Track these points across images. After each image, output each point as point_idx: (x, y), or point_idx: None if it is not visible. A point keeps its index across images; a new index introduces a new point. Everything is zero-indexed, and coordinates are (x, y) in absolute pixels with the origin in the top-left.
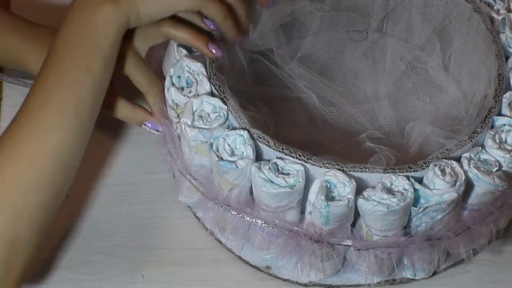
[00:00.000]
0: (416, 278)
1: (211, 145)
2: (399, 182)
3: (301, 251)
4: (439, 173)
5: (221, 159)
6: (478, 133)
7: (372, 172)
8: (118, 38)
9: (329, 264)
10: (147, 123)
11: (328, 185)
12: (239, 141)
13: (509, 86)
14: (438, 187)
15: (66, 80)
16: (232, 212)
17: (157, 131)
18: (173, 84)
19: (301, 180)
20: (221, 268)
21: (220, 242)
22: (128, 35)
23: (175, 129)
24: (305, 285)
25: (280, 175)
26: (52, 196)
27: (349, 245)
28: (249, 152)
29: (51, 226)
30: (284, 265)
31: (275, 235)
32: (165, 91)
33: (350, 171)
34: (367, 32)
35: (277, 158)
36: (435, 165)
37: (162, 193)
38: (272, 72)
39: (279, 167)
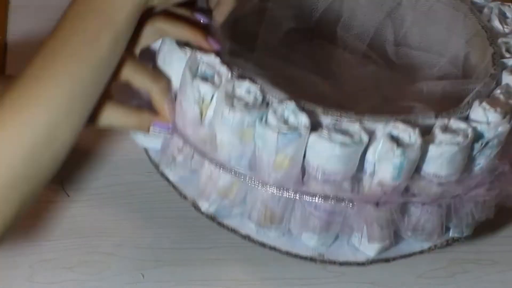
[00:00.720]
0: (463, 235)
1: (261, 121)
2: (453, 123)
3: (362, 222)
4: (488, 107)
5: (280, 132)
6: (495, 75)
7: (425, 119)
8: (134, 13)
9: (389, 232)
10: (155, 125)
11: (392, 135)
12: (289, 111)
13: (496, 35)
14: (492, 120)
15: (67, 50)
16: (287, 195)
17: (168, 129)
18: (195, 77)
19: (365, 136)
20: (221, 268)
21: (263, 244)
22: None
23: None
24: (363, 263)
25: (342, 135)
26: (28, 172)
27: (412, 201)
28: (304, 119)
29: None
30: (338, 248)
31: (332, 213)
32: (186, 87)
33: (405, 121)
34: (309, 30)
35: (331, 121)
36: (481, 102)
37: (162, 193)
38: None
39: (337, 129)
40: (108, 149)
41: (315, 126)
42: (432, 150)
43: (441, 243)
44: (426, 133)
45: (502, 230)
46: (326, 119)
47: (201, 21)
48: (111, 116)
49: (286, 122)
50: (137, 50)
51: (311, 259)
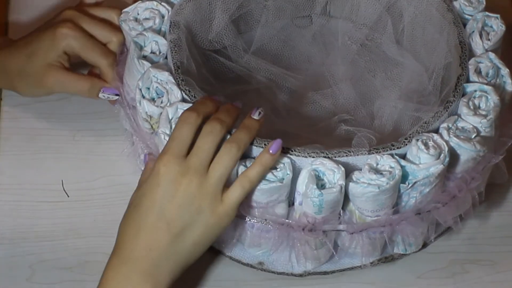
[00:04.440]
0: (407, 252)
1: None
2: (385, 161)
3: (294, 242)
4: (422, 147)
5: None
6: (451, 102)
7: (357, 155)
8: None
9: (323, 251)
10: (103, 90)
11: (317, 173)
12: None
13: (472, 52)
14: (424, 161)
15: None
16: None
17: (116, 95)
18: (143, 97)
19: (289, 173)
20: (220, 268)
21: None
22: (72, 16)
23: (149, 139)
24: (300, 275)
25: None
26: None
27: (342, 230)
28: None
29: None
30: (277, 259)
31: (265, 231)
32: (137, 104)
33: (335, 157)
34: (311, 17)
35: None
36: (418, 140)
37: None
38: (228, 68)
39: None
40: (109, 149)
41: (247, 155)
42: (354, 189)
43: (385, 257)
44: (356, 168)
45: (502, 230)
46: (257, 150)
47: None
48: (65, 82)
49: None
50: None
51: (251, 266)
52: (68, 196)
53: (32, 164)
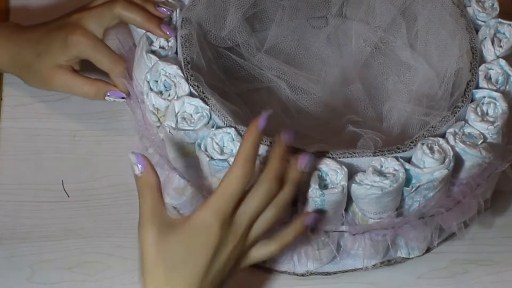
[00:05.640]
0: (410, 256)
1: (199, 145)
2: (389, 163)
3: (295, 241)
4: (427, 151)
5: (212, 158)
6: (459, 108)
7: (362, 156)
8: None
9: (325, 252)
10: (109, 94)
11: (320, 173)
12: (227, 139)
13: (483, 59)
14: (428, 166)
15: None
16: None
17: (122, 98)
18: (151, 89)
19: None
20: None
21: None
22: (81, 20)
23: (156, 133)
24: (302, 275)
25: None
26: None
27: (345, 231)
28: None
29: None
30: (279, 257)
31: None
32: (144, 96)
33: (340, 157)
34: (327, 18)
35: (267, 152)
36: (423, 144)
37: None
38: (240, 65)
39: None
40: (109, 149)
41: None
42: (357, 191)
43: (388, 260)
44: (360, 169)
45: (502, 231)
46: (262, 148)
47: (167, 13)
48: (71, 85)
49: (221, 149)
50: (100, 32)
51: (253, 264)
52: (69, 196)
53: (32, 164)
